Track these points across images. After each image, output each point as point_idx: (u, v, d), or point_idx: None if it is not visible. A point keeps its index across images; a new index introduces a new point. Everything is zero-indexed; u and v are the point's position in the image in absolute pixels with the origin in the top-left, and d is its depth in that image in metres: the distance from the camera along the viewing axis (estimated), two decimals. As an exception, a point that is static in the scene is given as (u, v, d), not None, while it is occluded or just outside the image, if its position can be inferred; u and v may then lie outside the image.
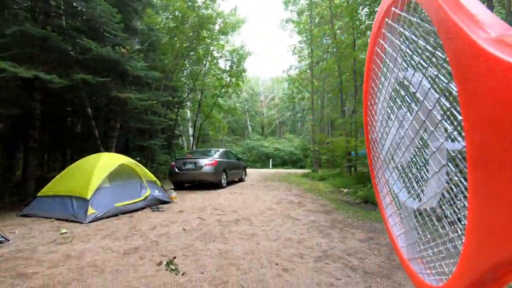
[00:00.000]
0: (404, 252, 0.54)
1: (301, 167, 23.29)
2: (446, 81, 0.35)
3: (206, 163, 8.42)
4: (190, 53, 15.81)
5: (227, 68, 20.28)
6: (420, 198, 0.48)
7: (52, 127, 9.99)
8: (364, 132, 0.78)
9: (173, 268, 2.65)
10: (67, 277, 2.42)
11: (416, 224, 0.50)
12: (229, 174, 9.50)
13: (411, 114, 0.48)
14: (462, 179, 0.35)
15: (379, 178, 0.71)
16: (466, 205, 0.29)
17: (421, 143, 0.46)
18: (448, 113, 0.36)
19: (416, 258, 0.49)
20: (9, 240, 3.37)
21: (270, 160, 25.84)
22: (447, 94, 0.35)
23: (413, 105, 0.48)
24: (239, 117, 33.39)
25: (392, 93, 0.56)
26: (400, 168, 0.57)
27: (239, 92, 23.40)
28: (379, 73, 0.62)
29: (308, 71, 18.86)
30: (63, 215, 4.52)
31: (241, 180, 11.32)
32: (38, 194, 5.02)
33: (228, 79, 20.14)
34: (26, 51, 5.65)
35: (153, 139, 11.55)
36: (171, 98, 13.01)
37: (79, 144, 11.08)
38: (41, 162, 10.83)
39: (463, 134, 0.29)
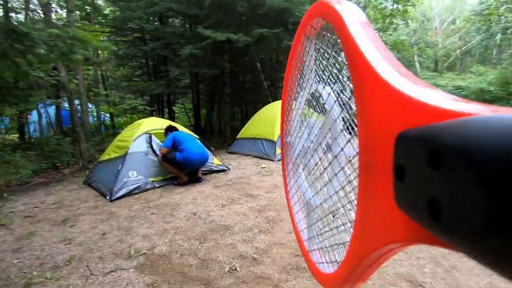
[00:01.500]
0: (306, 245, 0.61)
1: (498, 109, 17.52)
2: (348, 97, 0.41)
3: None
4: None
5: (391, -7, 16.94)
6: (322, 197, 0.53)
7: (234, 84, 12.04)
8: (280, 137, 0.85)
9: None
10: (280, 201, 2.93)
11: (317, 219, 0.57)
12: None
13: (319, 122, 0.56)
14: (354, 181, 0.38)
15: (289, 178, 0.79)
16: (356, 203, 0.33)
17: (325, 148, 0.52)
18: (348, 124, 0.42)
19: (315, 249, 0.56)
20: (230, 170, 4.45)
21: (448, 101, 20.88)
22: (348, 108, 0.41)
23: (321, 115, 0.56)
24: (405, 53, 28.16)
25: (306, 102, 0.64)
26: (307, 170, 0.63)
27: (408, 21, 19.38)
28: (296, 82, 0.70)
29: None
30: (257, 153, 5.49)
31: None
32: (237, 137, 6.29)
33: (393, 6, 16.93)
34: (218, 17, 6.70)
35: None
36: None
37: (251, 97, 12.90)
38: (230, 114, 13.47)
39: (357, 142, 0.33)
